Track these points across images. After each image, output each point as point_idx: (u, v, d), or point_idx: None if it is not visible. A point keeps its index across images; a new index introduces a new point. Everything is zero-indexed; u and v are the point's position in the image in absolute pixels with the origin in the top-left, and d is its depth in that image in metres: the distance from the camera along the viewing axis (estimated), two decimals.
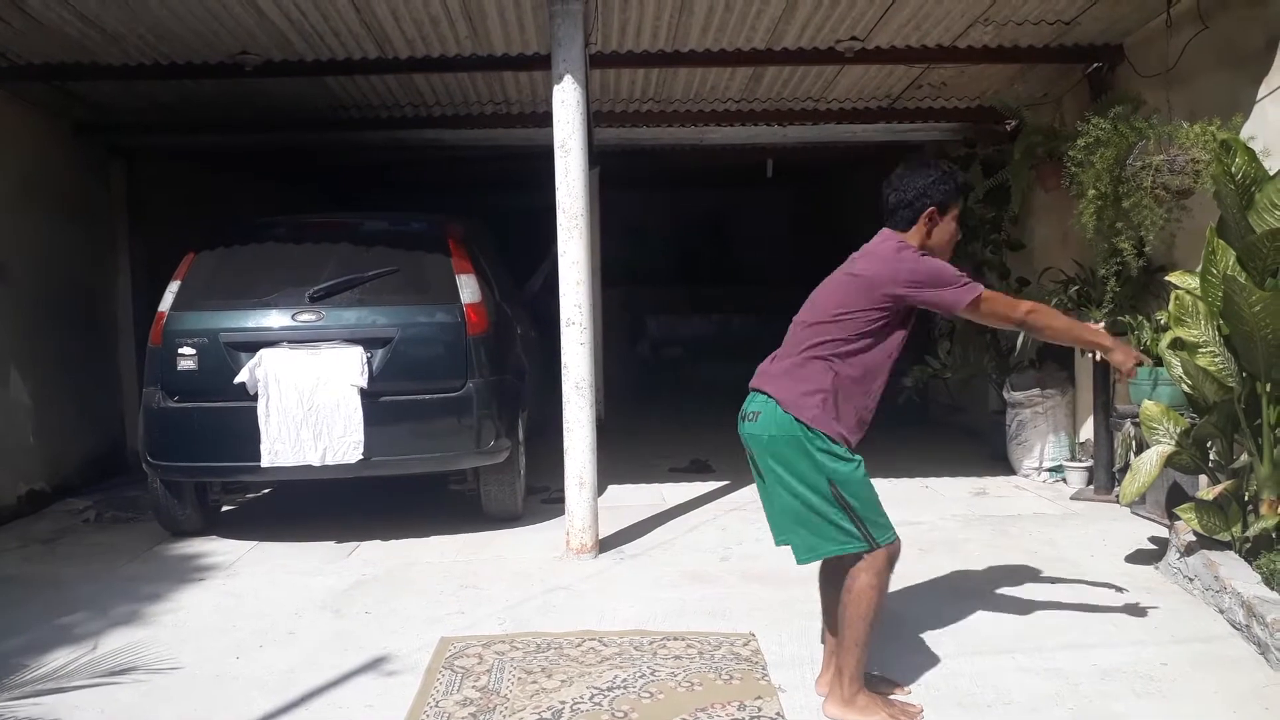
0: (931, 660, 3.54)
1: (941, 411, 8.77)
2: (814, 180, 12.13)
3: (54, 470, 6.52)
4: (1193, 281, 4.26)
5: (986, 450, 7.32)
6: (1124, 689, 3.30)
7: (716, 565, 4.75)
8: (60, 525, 5.85)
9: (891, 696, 3.23)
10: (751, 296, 12.17)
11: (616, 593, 4.39)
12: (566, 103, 4.79)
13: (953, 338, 7.67)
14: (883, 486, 6.55)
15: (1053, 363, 6.77)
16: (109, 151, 7.40)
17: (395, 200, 10.64)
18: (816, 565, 4.62)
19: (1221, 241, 4.12)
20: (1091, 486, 6.05)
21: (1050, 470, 6.48)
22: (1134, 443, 5.53)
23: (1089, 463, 6.18)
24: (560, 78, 4.80)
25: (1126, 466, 5.60)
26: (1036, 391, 6.48)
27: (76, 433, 6.83)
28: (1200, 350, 4.10)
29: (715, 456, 7.29)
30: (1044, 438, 6.48)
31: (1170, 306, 4.24)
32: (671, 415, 9.56)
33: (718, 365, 11.61)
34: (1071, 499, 5.97)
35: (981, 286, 3.07)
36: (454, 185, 10.49)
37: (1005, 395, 6.67)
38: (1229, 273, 3.94)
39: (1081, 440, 6.48)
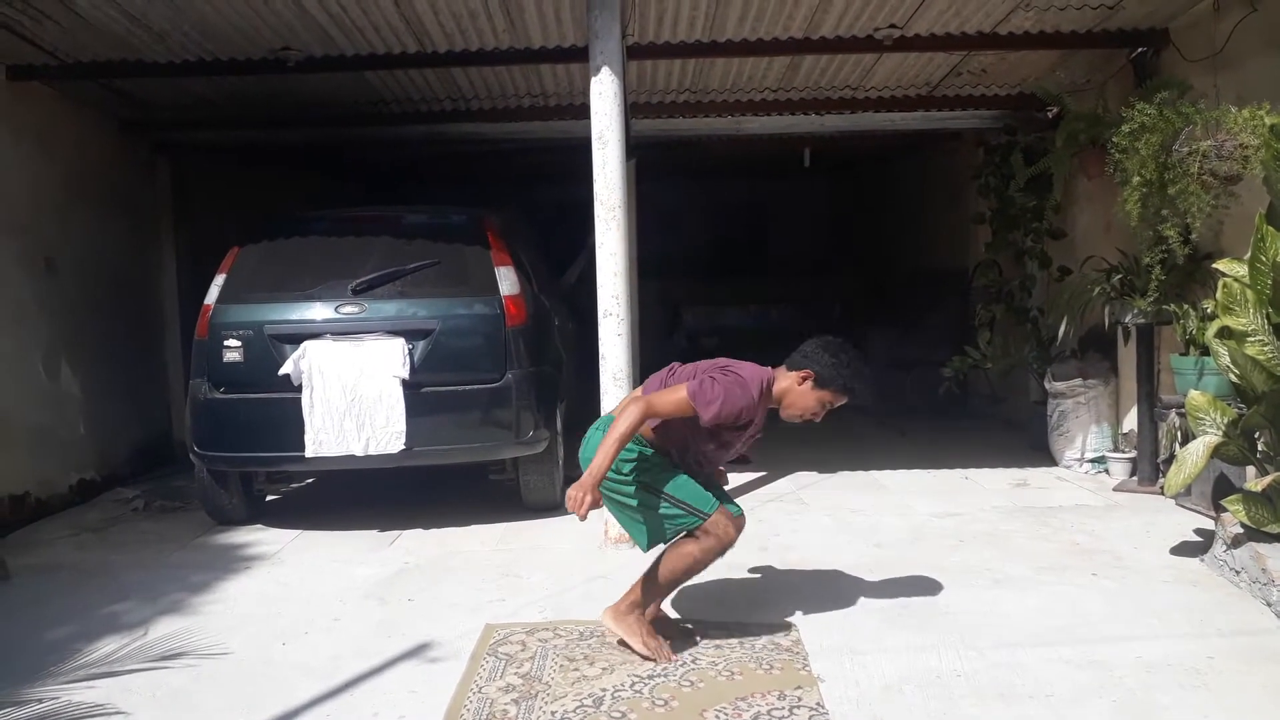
0: (972, 651, 3.52)
1: (982, 403, 8.70)
2: (851, 170, 12.05)
3: (103, 460, 6.66)
4: (1241, 269, 4.20)
5: (1027, 441, 7.25)
6: (1168, 681, 3.26)
7: (756, 555, 4.75)
8: (110, 514, 5.98)
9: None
10: (789, 287, 12.10)
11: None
12: (604, 95, 4.80)
13: (993, 327, 7.62)
14: (924, 478, 6.57)
15: (1095, 352, 6.69)
16: (154, 148, 7.53)
17: (432, 194, 10.72)
18: (863, 559, 4.66)
19: (1271, 229, 4.05)
20: (1135, 478, 5.97)
21: (1092, 461, 6.40)
22: (1179, 434, 5.45)
23: (1132, 454, 6.10)
24: (598, 70, 4.81)
25: (1172, 458, 5.53)
26: (1079, 381, 6.41)
27: (125, 424, 6.97)
28: (1249, 339, 4.03)
29: (753, 447, 7.28)
30: (1086, 428, 6.41)
31: (1218, 295, 4.17)
32: None
33: (755, 356, 11.58)
34: (1114, 490, 5.89)
35: (680, 393, 3.30)
36: (491, 178, 10.55)
37: (1046, 385, 6.60)
38: (1279, 260, 3.87)
39: (1124, 431, 6.40)
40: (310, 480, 6.52)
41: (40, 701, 3.26)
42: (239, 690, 3.37)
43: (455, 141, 7.99)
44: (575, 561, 4.70)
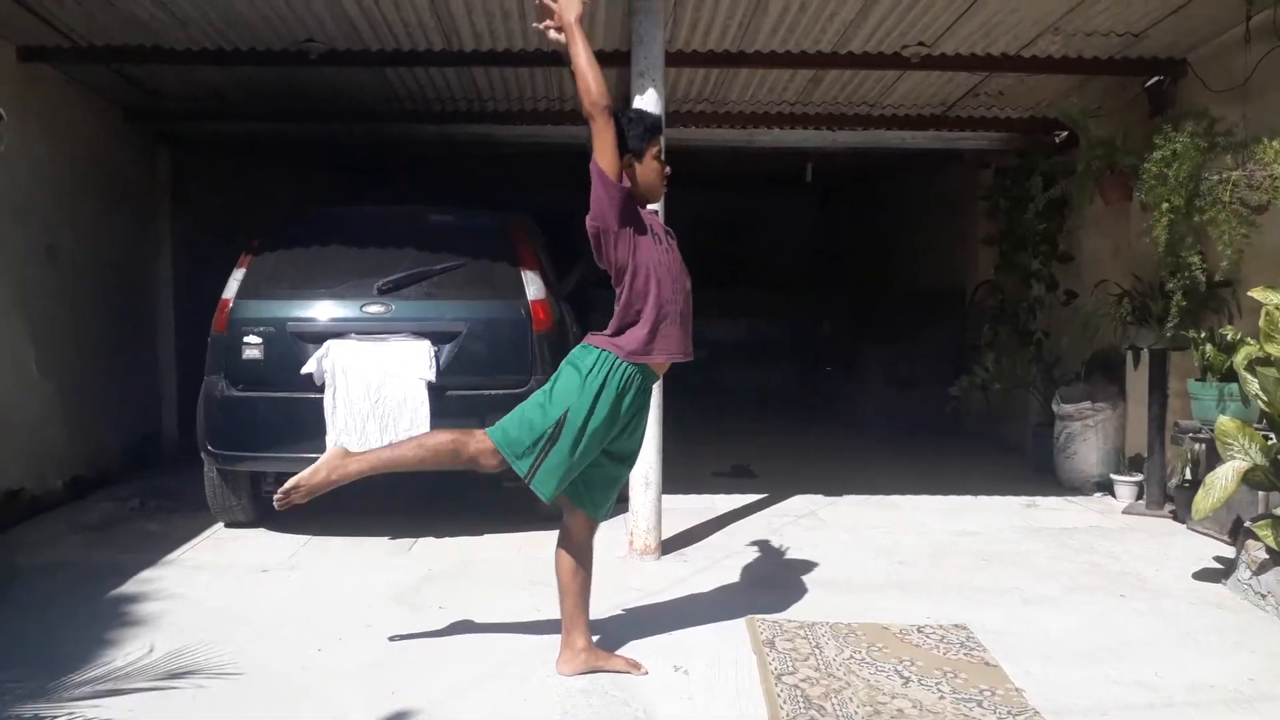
0: (1018, 669, 3.51)
1: (976, 422, 8.74)
2: (842, 185, 12.10)
3: (96, 458, 6.45)
4: (1275, 297, 4.25)
5: (1027, 462, 7.31)
6: (1215, 700, 3.28)
7: (781, 573, 4.72)
8: (108, 514, 5.77)
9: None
10: (777, 302, 12.12)
11: (688, 594, 4.37)
12: (645, 100, 4.75)
13: (995, 347, 7.67)
14: (934, 498, 6.52)
15: (1100, 376, 6.76)
16: (156, 138, 7.35)
17: (431, 194, 10.55)
18: (891, 577, 4.63)
19: None
20: (1142, 501, 6.02)
21: (1098, 484, 6.45)
22: (1197, 459, 5.51)
23: (1138, 477, 6.15)
24: (639, 75, 4.77)
25: (1187, 483, 5.59)
26: (1087, 404, 6.46)
27: (117, 420, 6.77)
28: None
29: (755, 461, 7.28)
30: (1093, 451, 6.46)
31: (1261, 322, 4.21)
32: (701, 419, 9.41)
33: (744, 369, 11.59)
34: (1124, 513, 5.93)
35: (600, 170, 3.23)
36: (490, 182, 10.38)
37: (1055, 408, 6.64)
38: None
39: (1130, 454, 6.45)
40: None
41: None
42: (277, 700, 3.26)
43: (463, 143, 7.88)
44: (602, 573, 4.57)
